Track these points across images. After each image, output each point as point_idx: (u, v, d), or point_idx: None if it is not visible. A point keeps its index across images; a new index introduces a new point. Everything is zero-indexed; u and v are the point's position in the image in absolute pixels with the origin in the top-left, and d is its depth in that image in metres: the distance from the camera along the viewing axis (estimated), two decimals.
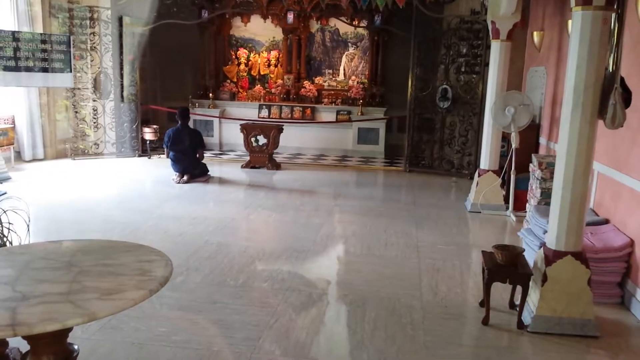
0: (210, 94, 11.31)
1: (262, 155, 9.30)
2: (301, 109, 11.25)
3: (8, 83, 8.43)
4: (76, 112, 9.77)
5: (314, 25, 11.67)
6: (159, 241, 5.02)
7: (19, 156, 9.11)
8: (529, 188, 6.04)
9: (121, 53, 9.84)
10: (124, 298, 2.13)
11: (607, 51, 3.45)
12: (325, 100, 11.52)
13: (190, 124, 8.89)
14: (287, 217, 6.42)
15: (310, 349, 3.31)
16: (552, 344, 3.46)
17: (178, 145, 8.05)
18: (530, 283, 3.67)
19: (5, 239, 3.62)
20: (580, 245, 3.60)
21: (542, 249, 3.75)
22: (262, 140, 9.25)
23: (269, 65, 11.86)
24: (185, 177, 8.00)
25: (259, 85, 11.73)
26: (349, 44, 11.72)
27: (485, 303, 3.76)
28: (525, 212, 6.09)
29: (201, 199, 7.20)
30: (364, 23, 11.35)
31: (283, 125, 9.65)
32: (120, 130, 10.04)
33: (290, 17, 11.13)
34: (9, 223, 3.73)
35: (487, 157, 6.92)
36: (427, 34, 9.26)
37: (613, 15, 3.44)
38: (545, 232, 4.17)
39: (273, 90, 11.61)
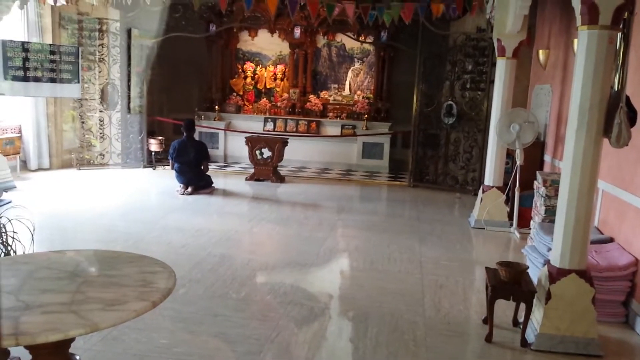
0: (216, 107, 11.38)
1: (267, 168, 9.32)
2: (306, 122, 11.29)
3: (16, 93, 8.50)
4: (83, 122, 9.84)
5: (321, 40, 11.76)
6: (162, 252, 5.02)
7: (24, 165, 9.16)
8: (533, 205, 6.03)
9: (129, 65, 9.92)
10: (127, 309, 2.13)
11: (613, 70, 3.46)
12: (331, 114, 11.57)
13: (196, 136, 8.93)
14: (291, 231, 6.41)
15: None
16: None
17: (183, 157, 8.08)
18: (534, 301, 3.65)
19: (9, 248, 3.63)
20: (584, 263, 3.58)
21: (546, 266, 3.73)
22: (266, 153, 9.28)
23: (275, 79, 11.93)
24: (189, 189, 8.02)
25: (264, 99, 11.80)
26: (355, 59, 11.79)
27: (488, 320, 3.73)
28: (530, 229, 6.07)
29: (205, 211, 7.21)
30: (370, 39, 11.43)
31: (288, 138, 9.69)
32: (126, 141, 10.09)
33: (297, 32, 11.22)
34: (14, 232, 3.74)
35: (491, 173, 6.91)
36: (433, 50, 9.31)
37: (619, 35, 3.45)
38: (549, 249, 4.15)
39: (279, 104, 11.66)
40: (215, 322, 3.77)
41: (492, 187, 6.86)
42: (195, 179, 8.13)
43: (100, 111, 9.91)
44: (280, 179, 9.42)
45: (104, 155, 10.04)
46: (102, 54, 9.74)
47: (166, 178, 9.10)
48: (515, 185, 6.57)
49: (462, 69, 9.09)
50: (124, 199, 7.67)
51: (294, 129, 11.26)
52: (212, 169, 9.20)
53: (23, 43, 8.42)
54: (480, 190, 7.01)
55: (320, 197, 8.37)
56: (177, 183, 8.19)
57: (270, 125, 11.38)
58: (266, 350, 3.39)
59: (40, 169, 9.32)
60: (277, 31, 11.63)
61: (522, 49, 6.83)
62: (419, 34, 9.21)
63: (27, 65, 8.40)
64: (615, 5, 3.29)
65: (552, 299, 3.54)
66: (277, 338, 3.57)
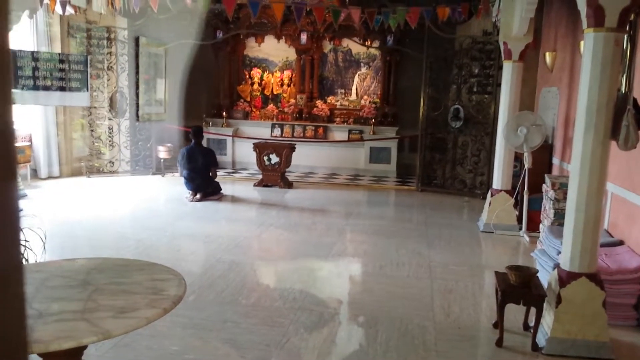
0: (224, 113, 11.43)
1: (275, 174, 9.35)
2: (313, 128, 11.32)
3: (26, 102, 8.59)
4: (92, 130, 9.93)
5: (327, 46, 11.80)
6: (172, 259, 5.05)
7: (35, 173, 9.24)
8: (542, 208, 6.01)
9: (137, 73, 10.01)
10: (138, 316, 2.15)
11: (620, 73, 3.46)
12: (338, 119, 11.59)
13: (204, 143, 8.98)
14: (299, 236, 6.42)
15: None
16: None
17: (191, 163, 8.13)
18: (545, 304, 3.64)
19: (22, 257, 3.66)
20: (594, 266, 3.57)
21: (556, 270, 3.72)
22: (274, 159, 9.31)
23: (282, 85, 11.98)
24: (198, 195, 8.06)
25: (272, 105, 11.85)
26: (362, 64, 11.82)
27: (499, 324, 3.72)
28: (539, 232, 6.05)
29: (214, 217, 7.24)
30: (376, 43, 11.46)
31: (295, 144, 9.71)
32: (135, 148, 10.17)
33: (304, 37, 11.27)
34: (25, 240, 3.78)
35: (499, 177, 6.90)
36: (439, 54, 9.32)
37: (625, 37, 3.45)
38: (559, 253, 4.13)
39: (286, 110, 11.71)
40: (225, 328, 3.79)
41: (501, 190, 6.85)
42: (204, 185, 8.17)
43: (109, 119, 9.99)
44: (288, 185, 9.45)
45: (113, 163, 10.12)
46: (111, 62, 9.83)
47: (175, 185, 9.15)
48: (524, 189, 6.55)
49: (469, 72, 9.08)
50: (133, 206, 7.72)
51: (301, 135, 11.30)
52: (220, 176, 9.24)
53: (33, 52, 8.52)
54: (489, 194, 6.99)
55: (328, 202, 8.38)
56: (186, 190, 8.23)
57: (277, 131, 11.42)
58: (276, 356, 3.40)
59: (50, 177, 9.40)
60: (283, 37, 11.68)
61: (528, 51, 6.83)
62: (425, 38, 9.22)
63: (36, 74, 8.49)
64: (622, 7, 3.29)
65: (563, 303, 3.53)
66: (287, 344, 3.58)
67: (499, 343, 3.65)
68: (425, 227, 6.96)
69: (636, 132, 3.38)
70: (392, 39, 10.98)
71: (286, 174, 9.64)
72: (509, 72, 6.71)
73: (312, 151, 11.08)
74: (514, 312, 3.99)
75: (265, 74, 11.99)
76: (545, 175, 6.12)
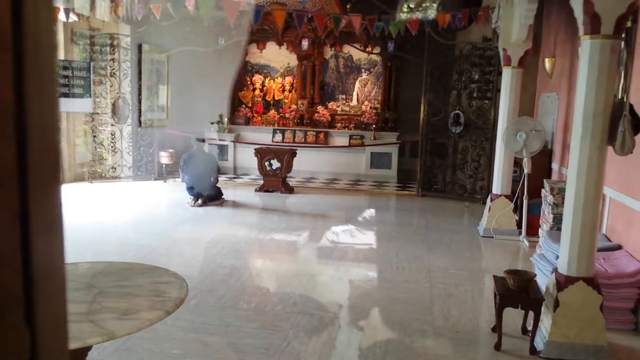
0: (226, 119, 11.50)
1: (276, 179, 9.39)
2: (314, 133, 11.38)
3: None
4: (94, 136, 9.99)
5: (328, 52, 11.88)
6: (173, 264, 5.09)
7: None
8: (542, 213, 6.04)
9: (139, 79, 10.08)
10: (141, 318, 2.20)
11: (616, 79, 3.51)
12: (339, 125, 11.65)
13: (206, 148, 9.04)
14: (300, 241, 6.46)
15: None
16: None
17: (193, 169, 8.18)
18: (543, 308, 3.67)
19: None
20: (591, 270, 3.61)
21: (554, 274, 3.75)
22: (275, 164, 9.36)
23: (283, 91, 12.06)
24: (200, 201, 8.11)
25: (273, 110, 11.92)
26: (362, 70, 11.89)
27: (497, 328, 3.75)
28: (538, 237, 6.08)
29: (215, 222, 7.29)
30: (377, 50, 11.53)
31: (296, 149, 9.77)
32: (137, 154, 10.23)
33: (305, 44, 11.35)
34: None
35: (499, 182, 6.94)
36: (440, 60, 9.38)
37: (622, 43, 3.50)
38: (557, 257, 4.16)
39: (287, 115, 11.77)
40: (227, 332, 3.83)
41: (500, 195, 6.88)
42: (206, 190, 8.22)
43: (112, 125, 10.06)
44: (290, 190, 9.49)
45: (115, 169, 10.18)
46: (113, 69, 9.91)
47: (177, 190, 9.20)
48: (524, 194, 6.59)
49: (469, 78, 9.14)
50: (135, 212, 7.77)
51: (303, 140, 11.35)
52: (222, 181, 9.29)
53: None
54: (489, 199, 7.03)
55: (329, 208, 8.42)
56: (187, 195, 8.28)
57: (279, 137, 11.48)
58: None
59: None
60: (285, 43, 11.77)
61: (528, 57, 6.88)
62: (425, 44, 9.29)
63: None
64: (617, 14, 3.34)
65: (560, 307, 3.56)
66: (288, 348, 3.61)
67: (498, 347, 3.69)
68: (426, 232, 7.00)
69: (632, 138, 3.42)
70: (393, 45, 11.06)
71: (287, 179, 9.69)
72: (508, 78, 6.76)
73: (313, 156, 11.14)
74: (513, 316, 4.03)
75: (267, 80, 12.07)
76: (544, 180, 6.16)
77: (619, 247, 4.58)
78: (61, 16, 8.24)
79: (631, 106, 3.51)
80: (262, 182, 9.56)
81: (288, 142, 11.26)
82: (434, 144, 9.60)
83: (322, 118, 11.58)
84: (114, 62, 9.90)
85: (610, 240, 4.80)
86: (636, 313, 4.10)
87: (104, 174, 10.07)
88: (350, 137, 11.33)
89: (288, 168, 9.42)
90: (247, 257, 5.78)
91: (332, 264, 5.57)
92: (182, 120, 11.76)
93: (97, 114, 9.92)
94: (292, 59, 11.93)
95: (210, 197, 8.27)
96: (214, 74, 11.72)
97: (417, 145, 9.87)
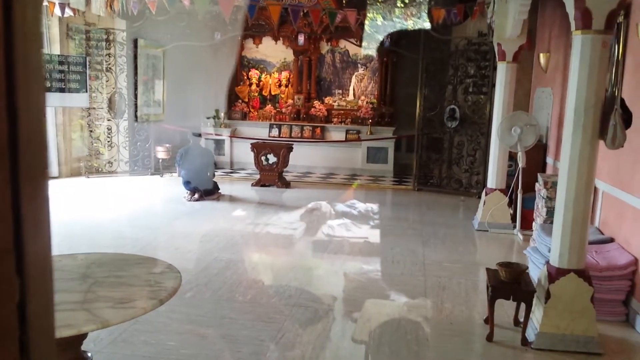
0: (222, 114, 11.51)
1: (272, 174, 9.42)
2: (311, 128, 11.40)
3: None
4: (91, 131, 10.00)
5: (324, 47, 11.88)
6: (169, 257, 5.08)
7: None
8: (535, 207, 6.09)
9: (135, 74, 10.08)
10: (135, 307, 2.23)
11: (608, 73, 3.54)
12: (335, 119, 11.67)
13: (202, 143, 9.05)
14: (295, 235, 6.50)
15: None
16: None
17: (190, 163, 8.20)
18: (534, 300, 3.72)
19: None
20: (583, 263, 3.65)
21: (545, 266, 3.80)
22: (272, 159, 9.38)
23: (279, 86, 12.06)
24: (196, 195, 8.13)
25: (269, 105, 11.92)
26: (359, 65, 11.91)
27: (489, 320, 3.80)
28: (532, 230, 6.13)
29: (211, 217, 7.32)
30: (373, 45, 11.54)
31: (293, 144, 9.79)
32: (134, 149, 10.24)
33: (301, 38, 11.35)
34: None
35: (494, 176, 6.98)
36: (435, 55, 9.40)
37: (613, 38, 3.54)
38: (550, 250, 4.21)
39: (283, 110, 11.79)
40: (222, 324, 3.86)
41: (495, 189, 6.93)
42: (202, 185, 8.24)
43: (108, 120, 10.06)
44: (286, 184, 9.52)
45: (112, 163, 10.18)
46: (109, 64, 9.90)
47: (173, 185, 9.22)
48: (518, 188, 6.63)
49: (465, 73, 9.17)
50: (132, 206, 7.79)
51: (299, 135, 11.37)
52: (218, 175, 9.31)
53: None
54: (484, 193, 7.07)
55: (325, 202, 8.45)
56: (184, 190, 8.30)
57: (275, 132, 11.50)
58: (271, 351, 3.47)
59: (49, 177, 9.44)
60: (281, 38, 11.77)
61: (522, 52, 6.91)
62: (421, 40, 9.31)
63: None
64: (609, 10, 3.37)
65: (552, 299, 3.61)
66: (283, 339, 3.65)
67: (490, 338, 3.73)
68: (421, 226, 7.04)
69: (623, 132, 3.46)
70: (389, 40, 11.07)
71: (284, 173, 9.72)
72: (503, 73, 6.80)
73: (310, 151, 11.16)
74: (505, 308, 4.08)
75: (263, 75, 12.08)
76: (538, 174, 6.20)
77: (611, 240, 4.62)
78: (57, 11, 8.23)
79: (622, 100, 3.55)
80: (258, 176, 9.58)
81: (284, 137, 11.28)
82: (430, 138, 9.63)
83: (318, 113, 11.59)
84: (109, 57, 9.89)
85: (602, 233, 4.85)
86: (627, 305, 4.16)
87: (100, 169, 10.08)
88: (347, 131, 11.35)
89: (284, 163, 9.45)
90: (243, 251, 5.82)
91: (328, 257, 5.60)
92: (178, 115, 11.79)
93: (94, 108, 9.92)
94: (288, 54, 11.93)
95: (207, 191, 8.29)
96: (210, 69, 11.74)
97: (413, 140, 9.91)
